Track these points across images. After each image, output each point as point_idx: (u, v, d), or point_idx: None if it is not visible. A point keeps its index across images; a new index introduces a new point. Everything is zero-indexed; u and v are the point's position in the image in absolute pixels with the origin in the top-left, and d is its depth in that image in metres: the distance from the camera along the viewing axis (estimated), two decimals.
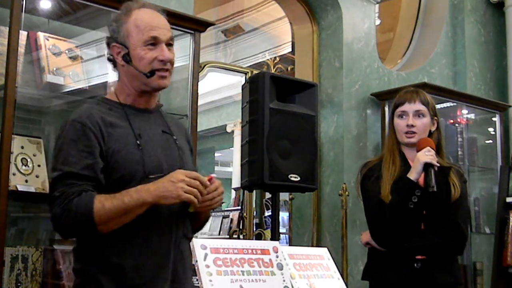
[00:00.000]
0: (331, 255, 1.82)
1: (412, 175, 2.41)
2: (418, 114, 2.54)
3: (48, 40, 2.88)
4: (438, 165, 2.40)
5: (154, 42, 1.87)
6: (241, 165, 2.84)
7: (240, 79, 4.61)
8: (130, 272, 1.80)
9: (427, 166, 2.38)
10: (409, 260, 2.45)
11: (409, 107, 2.54)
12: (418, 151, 2.45)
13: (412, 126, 2.52)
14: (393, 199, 2.42)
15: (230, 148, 7.78)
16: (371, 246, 2.60)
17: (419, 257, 2.45)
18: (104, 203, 1.72)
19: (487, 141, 5.09)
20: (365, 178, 2.60)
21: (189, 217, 1.91)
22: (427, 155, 2.39)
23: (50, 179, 1.85)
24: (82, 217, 1.72)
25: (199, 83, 3.20)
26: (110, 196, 1.73)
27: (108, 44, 1.93)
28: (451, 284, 2.51)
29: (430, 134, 2.57)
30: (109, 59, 1.96)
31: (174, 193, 1.70)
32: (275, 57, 6.41)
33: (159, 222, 1.82)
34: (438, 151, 2.54)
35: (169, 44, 1.90)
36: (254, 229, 4.66)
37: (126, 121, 1.88)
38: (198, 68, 3.19)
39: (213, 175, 1.83)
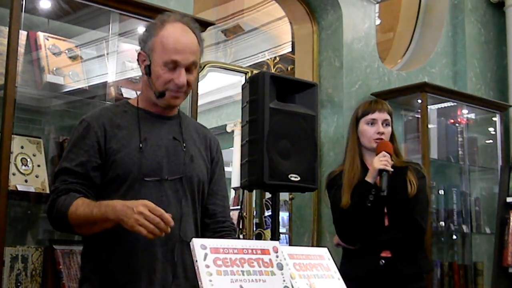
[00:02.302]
0: (331, 255, 1.82)
1: (368, 179, 2.70)
2: (385, 123, 2.82)
3: (48, 40, 2.88)
4: (392, 170, 2.66)
5: (174, 66, 1.88)
6: (241, 165, 2.84)
7: (240, 79, 4.60)
8: (117, 274, 1.83)
9: (381, 171, 2.66)
10: (375, 257, 2.70)
11: (379, 116, 2.82)
12: (377, 154, 2.72)
13: (382, 133, 2.79)
14: (353, 201, 2.70)
15: (230, 148, 7.76)
16: (341, 247, 2.88)
17: (383, 254, 2.70)
18: (78, 209, 1.76)
19: (487, 141, 5.08)
20: (328, 187, 2.90)
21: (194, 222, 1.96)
22: (381, 160, 2.67)
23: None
24: (60, 217, 1.79)
25: (199, 83, 3.20)
26: (87, 204, 1.76)
27: (140, 46, 1.98)
28: (415, 274, 2.74)
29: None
30: (137, 59, 2.00)
31: (129, 222, 1.65)
32: (275, 57, 6.40)
33: None
34: (397, 154, 2.84)
35: (190, 68, 1.91)
36: (254, 229, 4.66)
37: (136, 124, 1.92)
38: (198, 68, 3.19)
39: None
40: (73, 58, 2.95)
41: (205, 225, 2.03)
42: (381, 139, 2.78)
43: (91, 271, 1.86)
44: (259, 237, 4.61)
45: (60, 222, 1.81)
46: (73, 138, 1.92)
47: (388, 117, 2.83)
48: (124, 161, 1.85)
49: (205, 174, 2.03)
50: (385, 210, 2.73)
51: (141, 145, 1.88)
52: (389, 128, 2.82)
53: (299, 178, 2.74)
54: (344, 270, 2.74)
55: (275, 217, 2.88)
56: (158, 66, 1.89)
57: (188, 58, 1.89)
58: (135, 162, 1.86)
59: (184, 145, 1.97)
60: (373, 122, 2.81)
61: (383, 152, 2.69)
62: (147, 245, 1.82)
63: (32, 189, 2.67)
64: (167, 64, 1.88)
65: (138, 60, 1.98)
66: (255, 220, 4.74)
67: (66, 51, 2.93)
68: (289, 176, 2.72)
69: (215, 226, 2.04)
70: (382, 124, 2.80)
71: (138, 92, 2.08)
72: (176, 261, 1.86)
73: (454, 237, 4.79)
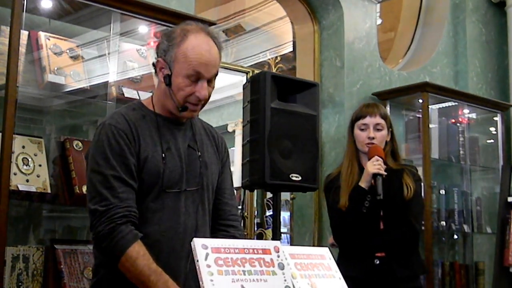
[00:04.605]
0: (332, 255, 1.82)
1: (362, 184, 2.68)
2: (377, 127, 2.79)
3: (49, 39, 2.88)
4: (385, 173, 2.66)
5: (197, 78, 1.86)
6: (242, 164, 2.84)
7: (241, 79, 4.61)
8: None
9: (375, 176, 2.64)
10: (370, 257, 2.70)
11: (370, 121, 2.79)
12: (369, 158, 2.72)
13: (373, 138, 2.77)
14: (348, 206, 2.69)
15: (231, 148, 7.75)
16: (335, 247, 2.88)
17: (378, 254, 2.70)
18: (137, 261, 1.71)
19: (488, 141, 5.09)
20: (326, 189, 2.87)
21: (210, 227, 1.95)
22: (374, 165, 2.66)
23: (89, 181, 1.82)
24: (115, 251, 1.73)
25: None
26: (148, 260, 1.72)
27: (157, 53, 1.93)
28: (409, 277, 2.73)
29: (386, 144, 2.83)
30: (153, 64, 1.96)
31: None
32: (276, 57, 6.41)
33: (172, 240, 1.83)
34: (394, 157, 2.84)
35: (211, 79, 1.90)
36: (255, 228, 4.66)
37: (157, 132, 1.89)
38: None
39: None
40: (74, 57, 2.95)
41: (214, 225, 2.01)
42: (372, 143, 2.77)
43: (113, 278, 1.82)
44: (260, 237, 4.61)
45: (111, 253, 1.75)
46: (102, 144, 1.82)
47: (381, 121, 2.80)
48: (151, 172, 1.83)
49: (217, 180, 2.02)
50: (381, 213, 2.73)
51: (163, 155, 1.86)
52: (383, 132, 2.79)
53: (300, 178, 2.75)
54: (340, 271, 2.78)
55: (276, 216, 2.89)
56: (180, 78, 1.85)
57: (210, 71, 1.88)
58: (160, 173, 1.84)
59: (199, 153, 1.95)
60: (364, 128, 2.80)
61: (376, 157, 2.70)
62: (170, 259, 1.81)
63: (33, 189, 2.67)
64: (190, 77, 1.85)
65: (155, 67, 1.93)
66: (256, 220, 4.73)
67: (67, 51, 2.93)
68: (290, 176, 2.73)
69: (227, 230, 2.02)
70: (374, 128, 2.79)
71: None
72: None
73: (455, 236, 4.79)
